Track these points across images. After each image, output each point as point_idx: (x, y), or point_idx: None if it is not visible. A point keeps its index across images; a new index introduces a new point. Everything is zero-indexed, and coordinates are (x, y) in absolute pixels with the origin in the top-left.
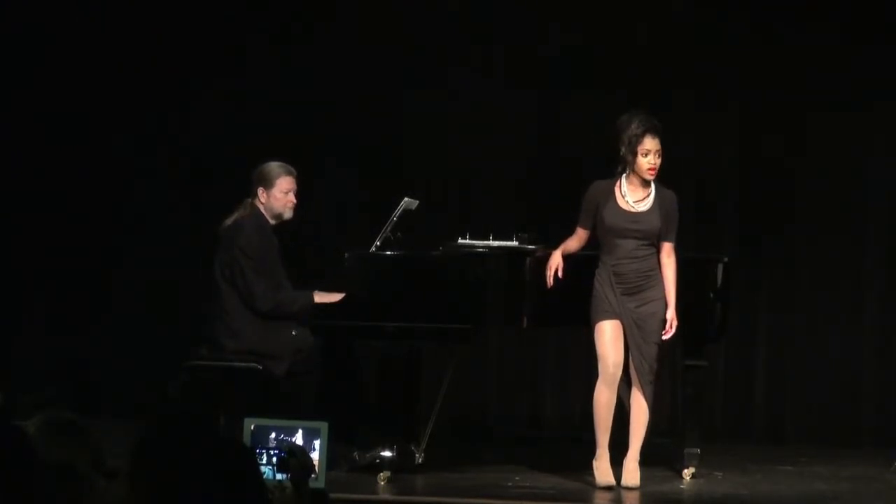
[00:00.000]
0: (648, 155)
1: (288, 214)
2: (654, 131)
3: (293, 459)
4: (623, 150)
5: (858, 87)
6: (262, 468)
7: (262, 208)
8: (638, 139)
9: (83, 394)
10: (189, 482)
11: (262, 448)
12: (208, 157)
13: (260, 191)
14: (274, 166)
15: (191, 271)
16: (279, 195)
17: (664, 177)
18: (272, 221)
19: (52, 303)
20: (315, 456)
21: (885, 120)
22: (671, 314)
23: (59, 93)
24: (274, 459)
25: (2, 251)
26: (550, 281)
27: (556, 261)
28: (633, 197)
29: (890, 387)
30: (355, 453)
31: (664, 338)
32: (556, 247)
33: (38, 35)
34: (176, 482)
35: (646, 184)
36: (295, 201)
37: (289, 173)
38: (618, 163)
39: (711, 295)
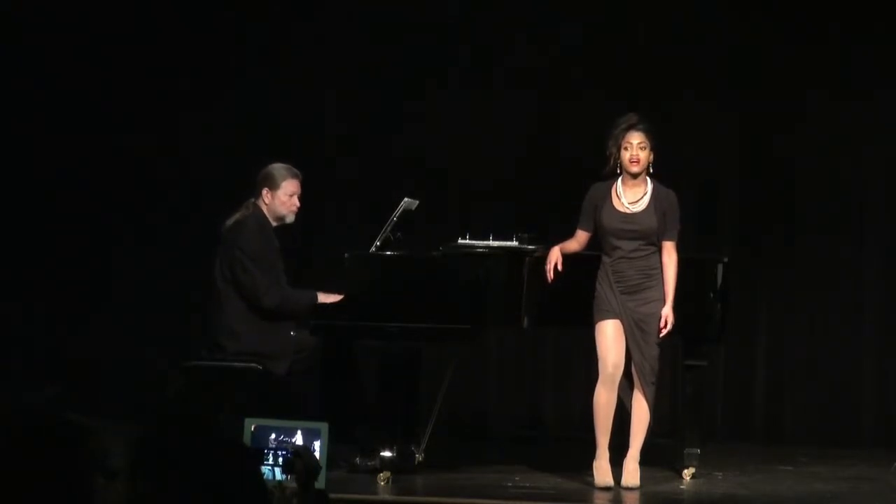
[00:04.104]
0: (630, 148)
1: (290, 218)
2: (637, 127)
3: (298, 460)
4: (610, 147)
5: (859, 87)
6: (262, 468)
7: (264, 209)
8: (621, 134)
9: (83, 394)
10: (189, 482)
11: (268, 449)
12: (208, 156)
13: (265, 191)
14: (280, 168)
15: (192, 271)
16: (284, 197)
17: (664, 176)
18: (273, 223)
19: (51, 302)
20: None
21: (885, 120)
22: (667, 311)
23: (57, 91)
24: (280, 460)
25: (2, 250)
26: (551, 275)
27: (555, 255)
28: (629, 198)
29: (890, 387)
30: (357, 459)
31: (661, 335)
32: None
33: (36, 29)
34: (176, 482)
35: (641, 183)
36: (299, 205)
37: (295, 176)
38: (608, 162)
39: (711, 295)
